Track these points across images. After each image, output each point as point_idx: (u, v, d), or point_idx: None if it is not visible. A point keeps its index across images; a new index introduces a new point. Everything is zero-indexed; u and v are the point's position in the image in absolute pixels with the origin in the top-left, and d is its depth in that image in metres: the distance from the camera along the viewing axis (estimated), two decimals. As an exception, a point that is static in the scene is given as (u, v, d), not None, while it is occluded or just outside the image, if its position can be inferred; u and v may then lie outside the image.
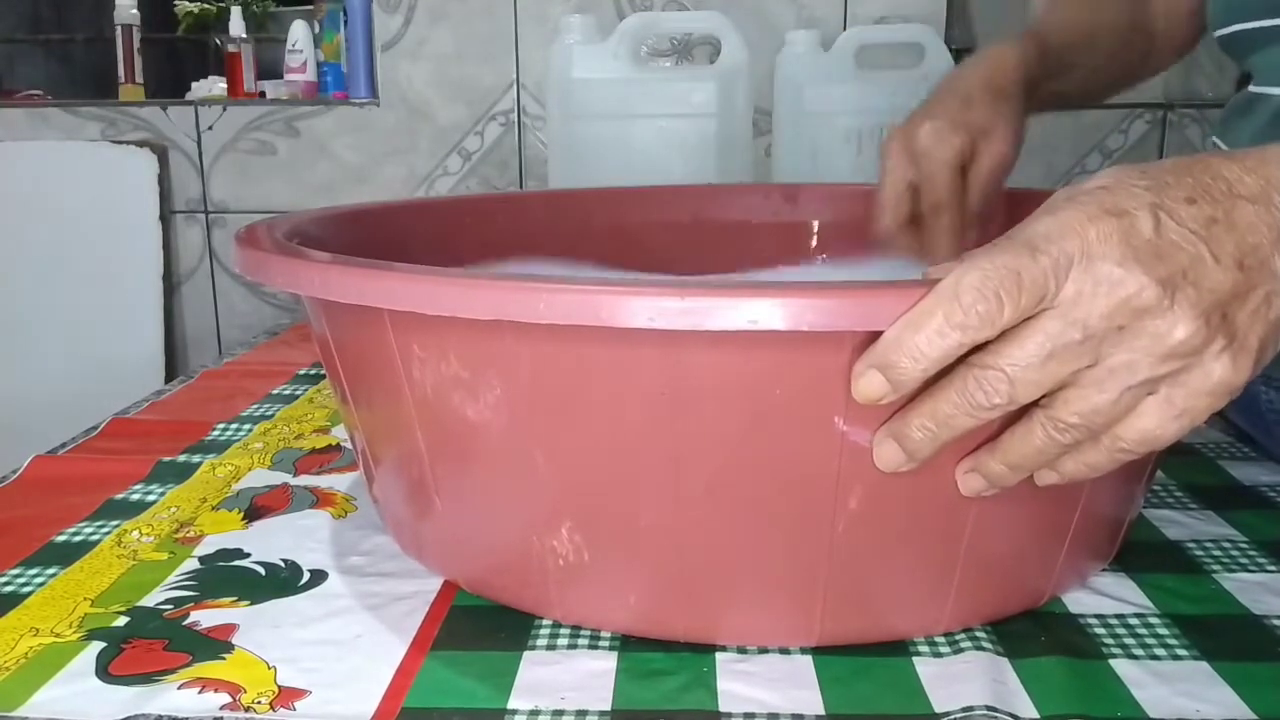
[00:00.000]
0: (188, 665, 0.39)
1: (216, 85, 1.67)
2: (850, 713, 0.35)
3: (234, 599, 0.44)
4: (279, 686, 0.37)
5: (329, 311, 0.42)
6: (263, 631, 0.41)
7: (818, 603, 0.38)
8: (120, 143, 1.43)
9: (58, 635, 0.41)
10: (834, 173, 1.11)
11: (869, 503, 0.35)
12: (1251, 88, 0.60)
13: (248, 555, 0.48)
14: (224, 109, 1.45)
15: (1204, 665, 0.38)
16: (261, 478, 0.59)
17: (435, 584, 0.45)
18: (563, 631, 0.41)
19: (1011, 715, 0.35)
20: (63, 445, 0.64)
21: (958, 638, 0.40)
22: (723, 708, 0.36)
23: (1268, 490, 0.55)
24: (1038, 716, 0.35)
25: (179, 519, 0.53)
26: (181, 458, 0.62)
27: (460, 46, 1.40)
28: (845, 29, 1.30)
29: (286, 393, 0.77)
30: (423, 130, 1.43)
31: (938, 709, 0.35)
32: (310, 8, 1.65)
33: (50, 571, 0.47)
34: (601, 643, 0.40)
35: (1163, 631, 0.40)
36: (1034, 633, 0.40)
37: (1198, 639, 0.40)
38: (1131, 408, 0.31)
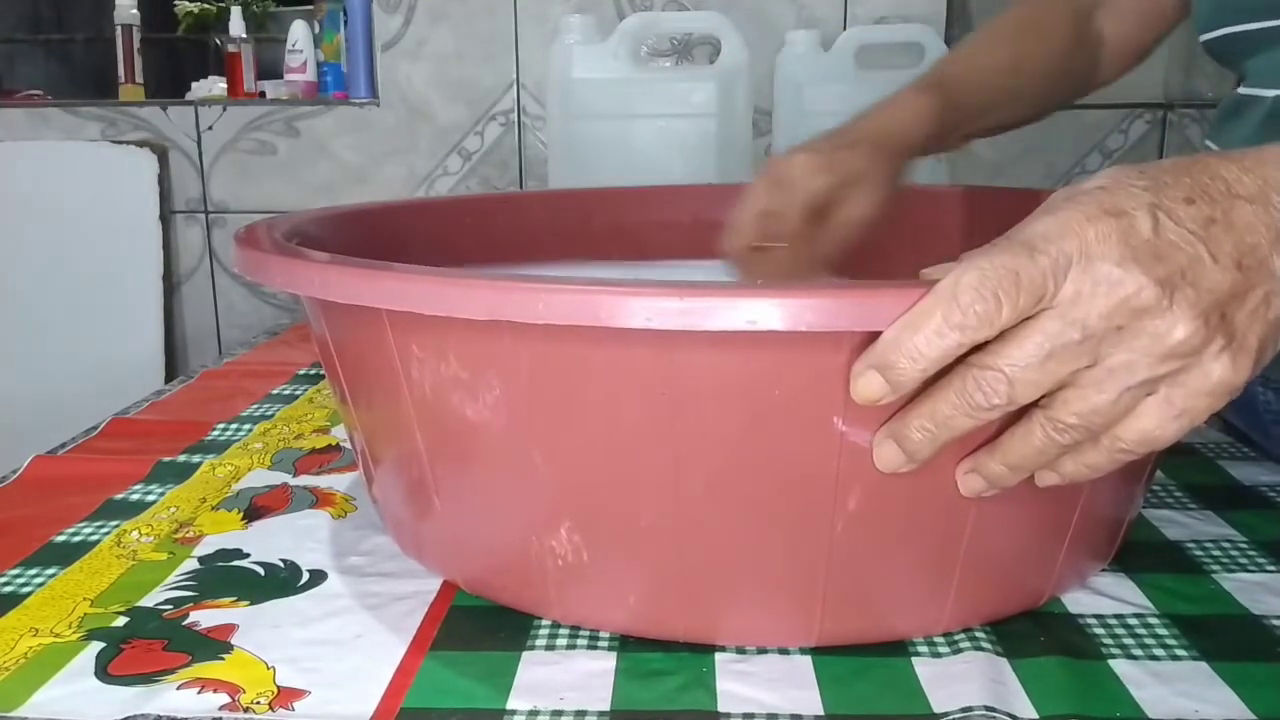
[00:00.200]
0: (187, 665, 0.39)
1: (216, 85, 1.67)
2: (849, 713, 0.35)
3: (233, 599, 0.44)
4: (278, 687, 0.37)
5: (328, 312, 0.42)
6: (262, 632, 0.41)
7: (817, 603, 0.38)
8: (120, 143, 1.43)
9: (57, 635, 0.41)
10: (834, 173, 1.11)
11: (868, 503, 0.35)
12: (1241, 90, 0.60)
13: (247, 555, 0.48)
14: (224, 109, 1.45)
15: (1203, 665, 0.38)
16: (261, 478, 0.59)
17: (434, 584, 0.45)
18: (562, 631, 0.41)
19: (1010, 715, 0.35)
20: (63, 445, 0.64)
21: (957, 638, 0.40)
22: (722, 708, 0.36)
23: (1267, 490, 0.55)
24: (1037, 717, 0.35)
25: (178, 519, 0.53)
26: (181, 458, 0.62)
27: (460, 46, 1.40)
28: (845, 29, 1.30)
29: (286, 393, 0.77)
30: (423, 130, 1.43)
31: (937, 709, 0.35)
32: (310, 8, 1.65)
33: (50, 572, 0.47)
34: (601, 643, 0.40)
35: (1162, 632, 0.40)
36: (1033, 633, 0.40)
37: (1197, 639, 0.40)
38: (1131, 408, 0.31)
